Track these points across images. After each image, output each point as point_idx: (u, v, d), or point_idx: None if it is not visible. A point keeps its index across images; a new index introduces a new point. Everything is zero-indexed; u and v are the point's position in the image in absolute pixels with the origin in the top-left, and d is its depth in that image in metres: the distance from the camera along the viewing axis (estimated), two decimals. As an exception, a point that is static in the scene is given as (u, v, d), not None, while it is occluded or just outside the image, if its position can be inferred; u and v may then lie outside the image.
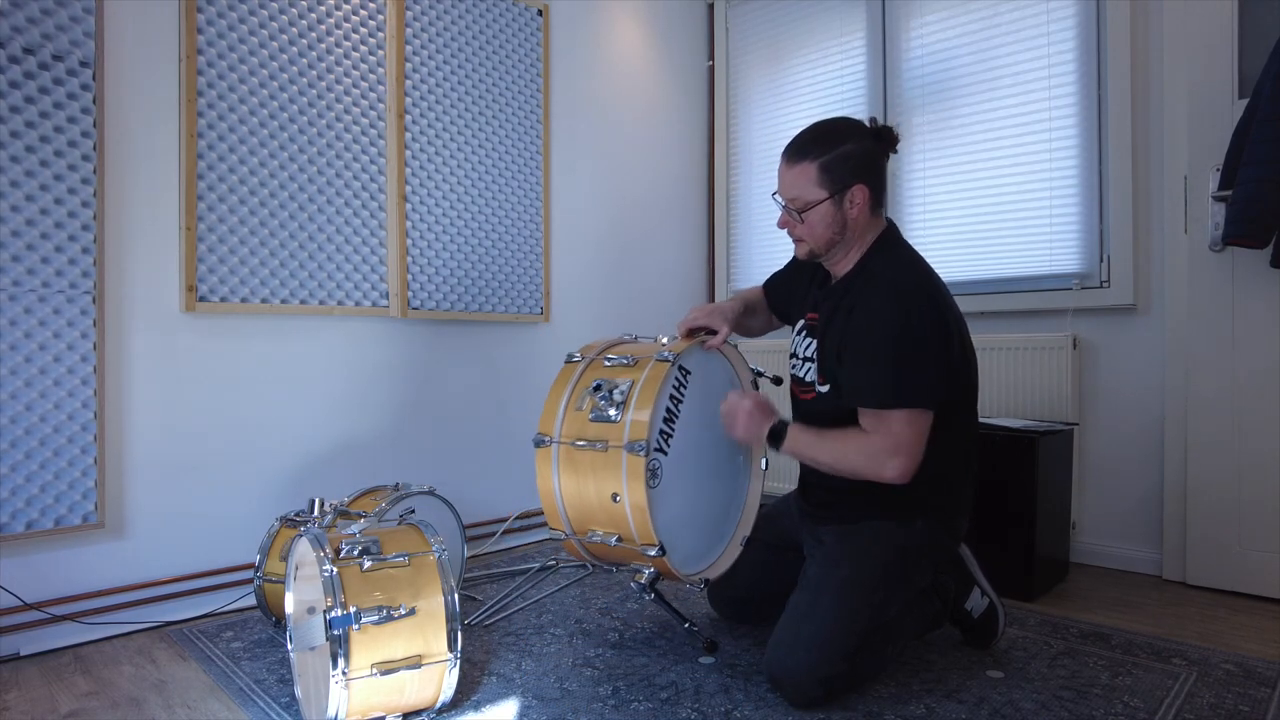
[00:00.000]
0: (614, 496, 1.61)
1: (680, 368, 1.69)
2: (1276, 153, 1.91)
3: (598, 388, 1.70)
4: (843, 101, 3.11)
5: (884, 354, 1.45)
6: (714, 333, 1.80)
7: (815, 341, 1.64)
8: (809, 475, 1.72)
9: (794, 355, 1.72)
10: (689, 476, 1.72)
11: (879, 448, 1.45)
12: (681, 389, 1.70)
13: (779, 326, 1.95)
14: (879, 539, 1.56)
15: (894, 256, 1.57)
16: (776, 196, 1.60)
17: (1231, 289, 2.19)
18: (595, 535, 1.68)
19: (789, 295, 1.83)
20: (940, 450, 1.56)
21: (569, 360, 1.82)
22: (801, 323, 1.71)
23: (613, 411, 1.65)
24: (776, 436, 1.57)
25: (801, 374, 1.68)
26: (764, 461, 1.93)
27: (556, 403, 1.74)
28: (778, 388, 1.98)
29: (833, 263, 1.63)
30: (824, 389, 1.60)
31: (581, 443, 1.66)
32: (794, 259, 1.78)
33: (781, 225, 1.62)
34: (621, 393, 1.66)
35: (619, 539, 1.64)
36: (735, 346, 1.88)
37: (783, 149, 1.59)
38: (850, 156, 1.51)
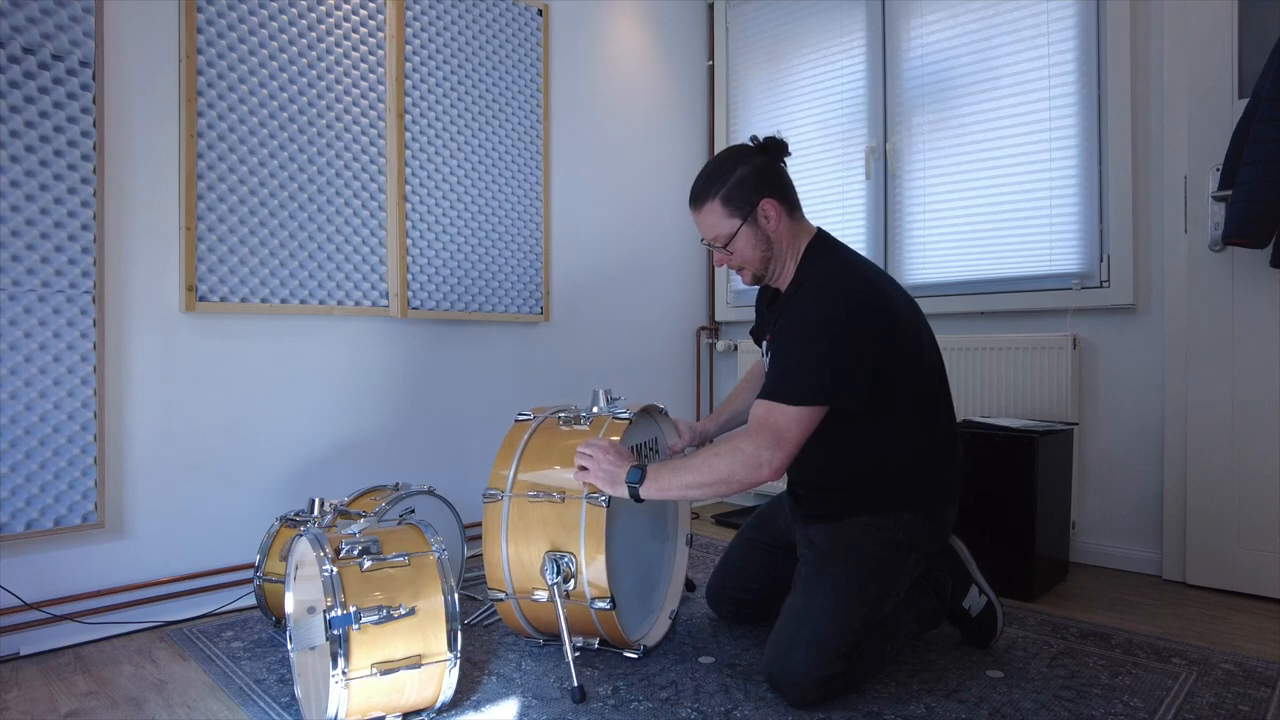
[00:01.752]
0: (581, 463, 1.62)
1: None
2: (1276, 153, 1.91)
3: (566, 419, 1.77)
4: (843, 101, 3.11)
5: (792, 352, 1.49)
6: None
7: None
8: (794, 476, 1.74)
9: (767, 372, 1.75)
10: (627, 536, 1.72)
11: (759, 444, 1.45)
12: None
13: None
14: (868, 536, 1.56)
15: (825, 261, 1.59)
16: (704, 243, 1.67)
17: (1231, 289, 2.19)
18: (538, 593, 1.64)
19: (760, 332, 1.85)
20: (919, 445, 1.60)
21: (520, 419, 1.83)
22: (764, 344, 1.75)
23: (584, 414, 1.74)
24: (637, 478, 1.53)
25: None
26: (688, 537, 1.96)
27: (511, 450, 1.74)
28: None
29: (776, 279, 1.68)
30: None
31: (540, 486, 1.65)
32: (757, 295, 1.87)
33: (719, 264, 1.69)
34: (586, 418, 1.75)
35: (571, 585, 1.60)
36: (666, 414, 1.90)
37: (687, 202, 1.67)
38: (744, 180, 1.57)
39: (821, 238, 1.65)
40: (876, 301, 1.52)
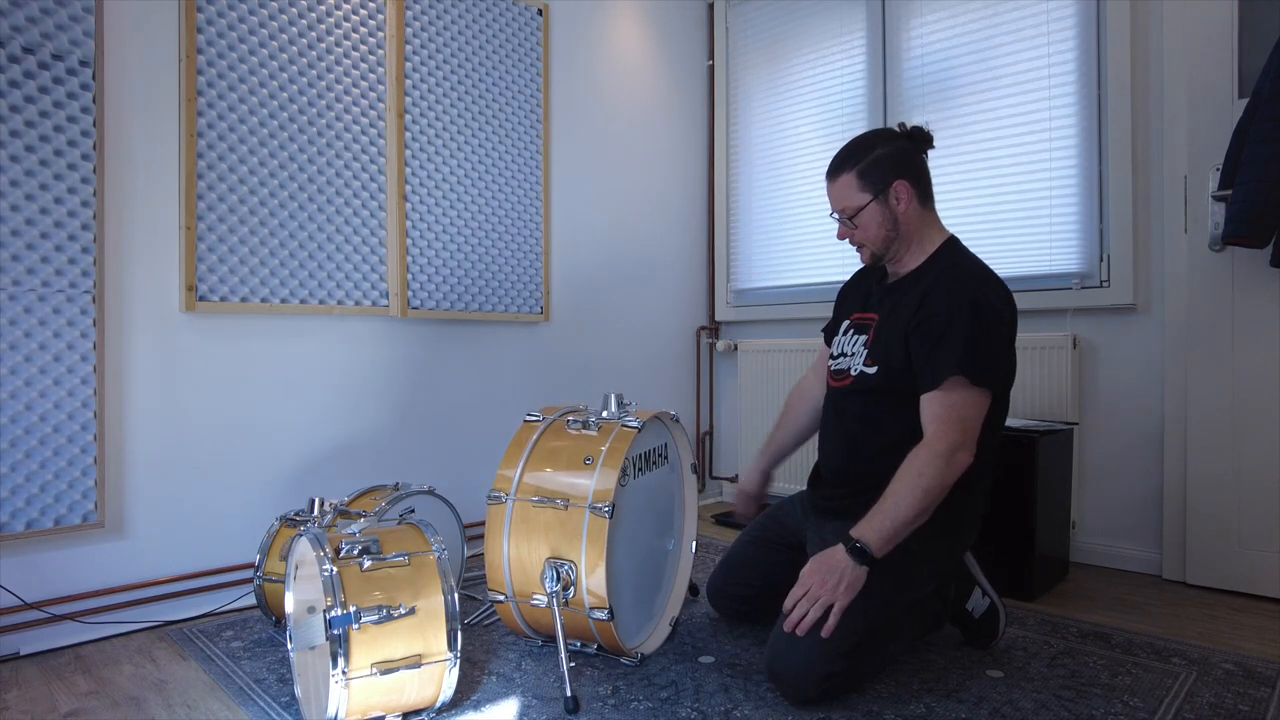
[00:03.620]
0: (585, 459, 1.64)
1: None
2: (1276, 152, 1.91)
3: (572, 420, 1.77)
4: (843, 101, 3.11)
5: (963, 334, 1.49)
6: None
7: (864, 337, 1.68)
8: (822, 469, 1.75)
9: (838, 355, 1.75)
10: (632, 540, 1.72)
11: (950, 440, 1.45)
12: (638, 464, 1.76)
13: None
14: None
15: (966, 257, 1.64)
16: (833, 215, 1.69)
17: (1231, 289, 2.19)
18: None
19: (837, 320, 1.85)
20: None
21: (528, 420, 1.83)
22: (847, 323, 1.76)
23: (592, 419, 1.73)
24: (861, 553, 1.43)
25: (843, 367, 1.71)
26: (693, 545, 1.95)
27: (519, 450, 1.74)
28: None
29: (895, 262, 1.69)
30: (870, 370, 1.63)
31: (544, 496, 1.65)
32: (839, 293, 1.88)
33: (841, 237, 1.70)
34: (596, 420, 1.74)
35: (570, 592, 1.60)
36: (678, 421, 1.90)
37: (825, 172, 1.70)
38: (883, 159, 1.61)
39: (955, 240, 1.68)
40: (1014, 307, 1.59)
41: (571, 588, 1.58)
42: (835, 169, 1.66)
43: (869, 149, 1.62)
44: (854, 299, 1.80)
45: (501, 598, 1.69)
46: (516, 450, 1.74)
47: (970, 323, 1.49)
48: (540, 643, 1.79)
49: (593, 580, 1.56)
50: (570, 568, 1.58)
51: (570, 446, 1.71)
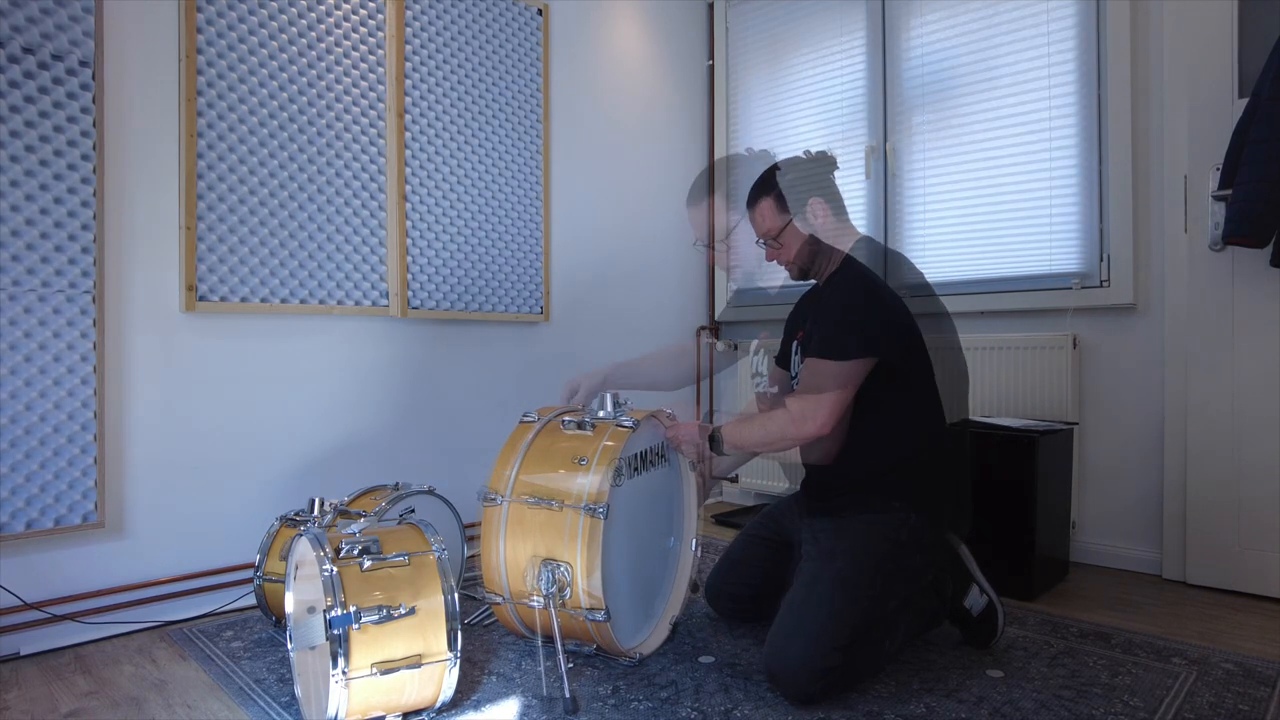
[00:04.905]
0: (579, 460, 1.65)
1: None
2: (1276, 152, 1.91)
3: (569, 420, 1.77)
4: (843, 101, 3.11)
5: (831, 315, 1.64)
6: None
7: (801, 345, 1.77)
8: (809, 469, 1.79)
9: (794, 375, 1.82)
10: (630, 539, 1.71)
11: (803, 403, 1.59)
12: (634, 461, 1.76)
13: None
14: (871, 533, 1.58)
15: (855, 261, 1.75)
16: (758, 242, 1.81)
17: (1231, 288, 2.19)
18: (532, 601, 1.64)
19: (788, 342, 1.92)
20: (925, 441, 1.65)
21: (524, 420, 1.83)
22: (795, 343, 1.83)
23: (589, 418, 1.74)
24: (716, 441, 1.73)
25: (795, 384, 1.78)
26: (694, 543, 1.94)
27: (514, 448, 1.74)
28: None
29: (819, 274, 1.79)
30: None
31: (538, 493, 1.65)
32: (784, 328, 1.96)
33: (769, 259, 1.82)
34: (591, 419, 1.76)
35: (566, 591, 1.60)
36: (672, 416, 1.91)
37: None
38: (795, 182, 1.76)
39: (865, 240, 1.78)
40: (882, 290, 1.68)
41: (568, 589, 1.58)
42: (751, 200, 1.78)
43: (783, 175, 1.76)
44: (795, 324, 1.89)
45: (499, 599, 1.68)
46: (511, 451, 1.73)
47: (838, 308, 1.63)
48: (540, 642, 1.79)
49: (588, 581, 1.56)
50: (566, 569, 1.58)
51: (565, 447, 1.70)
